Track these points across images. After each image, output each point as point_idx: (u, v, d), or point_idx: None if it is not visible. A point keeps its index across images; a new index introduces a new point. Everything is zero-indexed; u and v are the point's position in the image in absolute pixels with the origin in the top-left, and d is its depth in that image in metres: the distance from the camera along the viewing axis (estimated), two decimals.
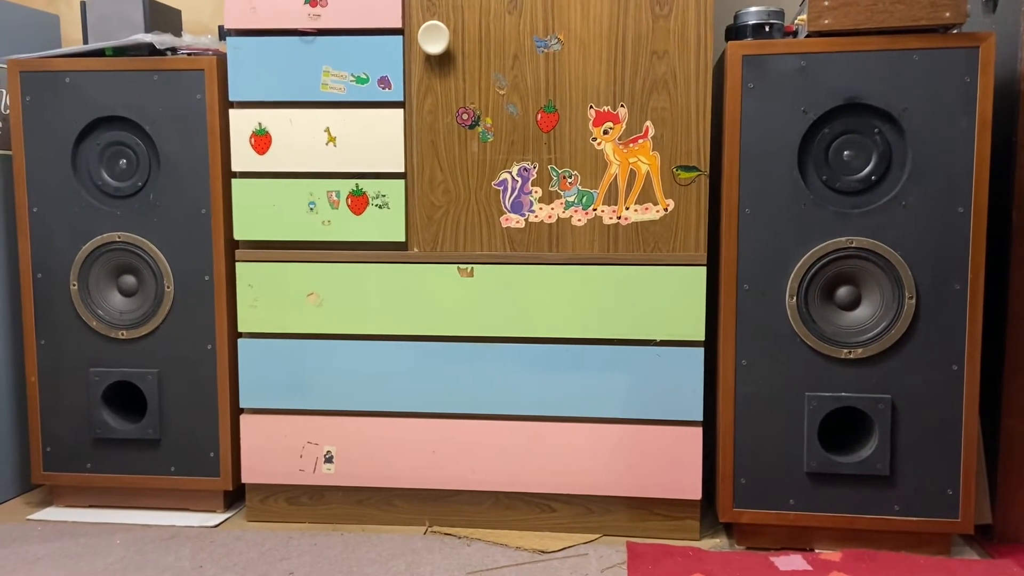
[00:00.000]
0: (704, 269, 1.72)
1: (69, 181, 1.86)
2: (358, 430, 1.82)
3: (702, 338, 1.73)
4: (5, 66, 1.90)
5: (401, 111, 1.75)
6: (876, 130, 1.63)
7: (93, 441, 1.91)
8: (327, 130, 1.77)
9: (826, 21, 1.59)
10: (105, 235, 1.86)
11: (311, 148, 1.77)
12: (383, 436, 1.82)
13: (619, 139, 1.71)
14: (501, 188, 1.75)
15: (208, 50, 1.84)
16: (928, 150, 1.60)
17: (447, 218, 1.77)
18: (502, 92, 1.72)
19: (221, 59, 1.81)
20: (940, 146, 1.60)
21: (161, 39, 1.82)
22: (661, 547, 1.72)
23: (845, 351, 1.66)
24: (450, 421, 1.80)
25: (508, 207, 1.75)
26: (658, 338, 1.74)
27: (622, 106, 1.71)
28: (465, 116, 1.74)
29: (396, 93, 1.74)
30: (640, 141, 1.71)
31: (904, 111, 1.60)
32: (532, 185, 1.74)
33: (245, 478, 1.87)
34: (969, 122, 1.59)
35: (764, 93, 1.63)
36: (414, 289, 1.78)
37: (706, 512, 1.87)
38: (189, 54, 1.83)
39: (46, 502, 1.99)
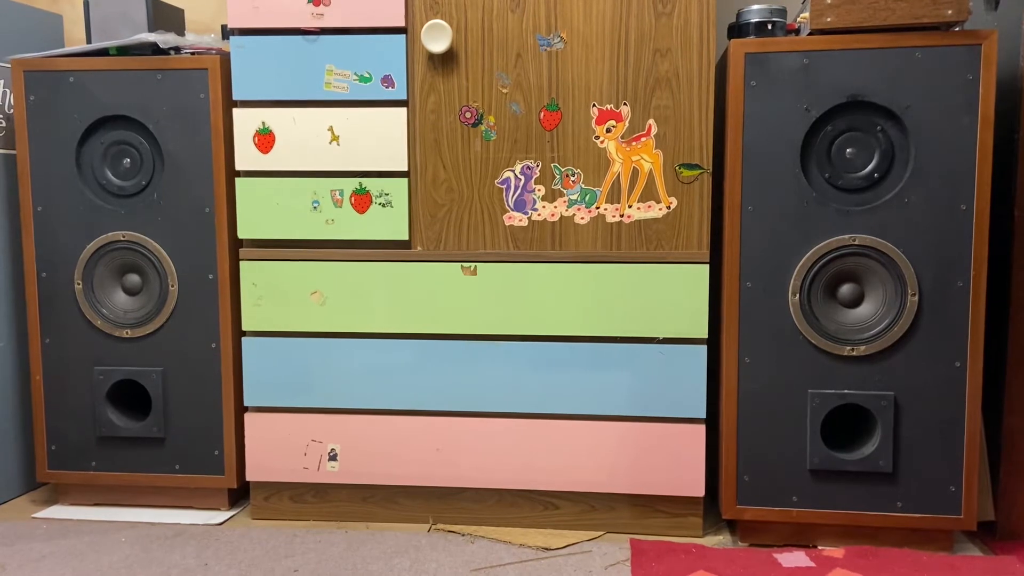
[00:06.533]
0: (707, 267, 1.72)
1: (73, 180, 1.86)
2: (362, 428, 1.83)
3: (705, 336, 1.73)
4: (9, 66, 1.91)
5: (404, 110, 1.75)
6: (879, 127, 1.63)
7: (98, 439, 1.91)
8: (330, 129, 1.77)
9: (828, 19, 1.59)
10: (109, 234, 1.86)
11: (314, 147, 1.78)
12: (387, 434, 1.82)
13: (622, 137, 1.72)
14: (504, 186, 1.75)
15: (211, 49, 1.85)
16: (930, 147, 1.61)
17: (450, 216, 1.77)
18: (505, 90, 1.73)
19: (224, 58, 1.81)
20: (942, 143, 1.60)
21: (164, 38, 1.82)
22: (664, 544, 1.73)
23: (848, 348, 1.66)
24: (454, 419, 1.80)
25: (511, 205, 1.75)
26: (661, 336, 1.74)
27: (625, 104, 1.71)
28: (468, 115, 1.74)
29: (399, 92, 1.75)
30: (643, 139, 1.71)
31: (907, 108, 1.60)
32: (535, 183, 1.74)
33: (249, 476, 1.87)
34: (971, 119, 1.59)
35: (767, 91, 1.64)
36: (417, 287, 1.78)
37: (709, 509, 1.87)
38: (192, 53, 1.84)
39: (51, 500, 2.00)
